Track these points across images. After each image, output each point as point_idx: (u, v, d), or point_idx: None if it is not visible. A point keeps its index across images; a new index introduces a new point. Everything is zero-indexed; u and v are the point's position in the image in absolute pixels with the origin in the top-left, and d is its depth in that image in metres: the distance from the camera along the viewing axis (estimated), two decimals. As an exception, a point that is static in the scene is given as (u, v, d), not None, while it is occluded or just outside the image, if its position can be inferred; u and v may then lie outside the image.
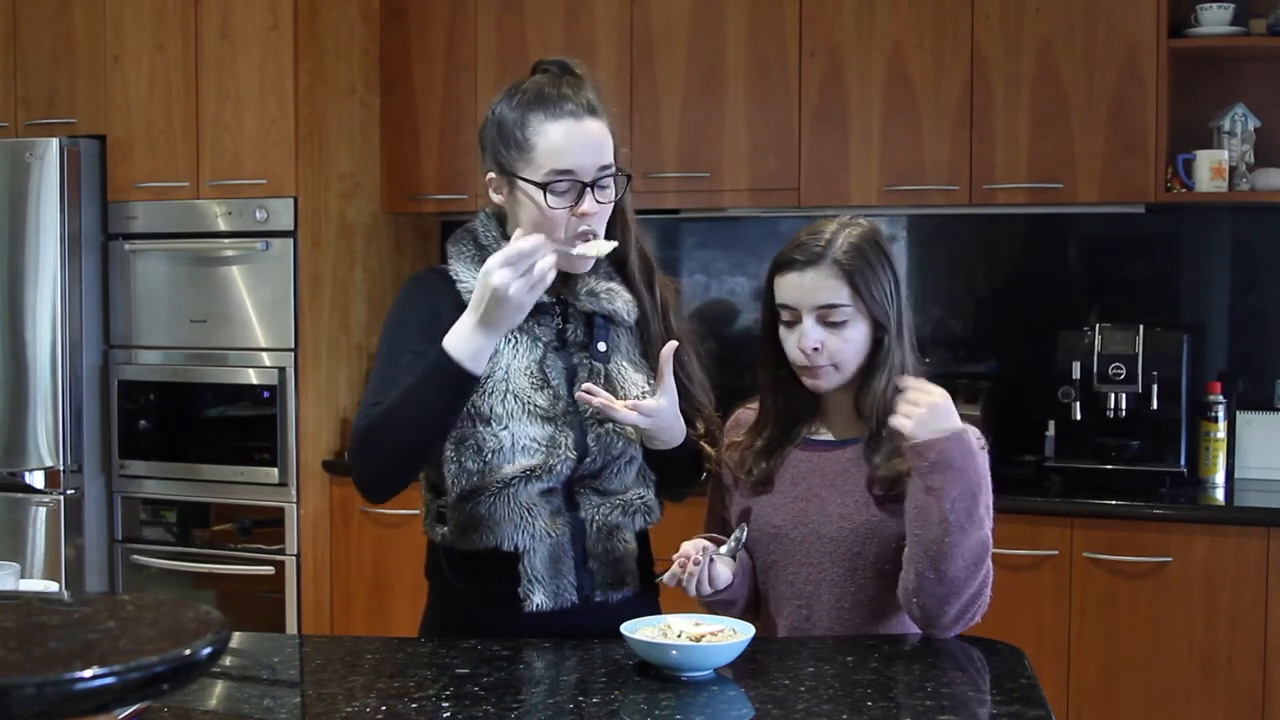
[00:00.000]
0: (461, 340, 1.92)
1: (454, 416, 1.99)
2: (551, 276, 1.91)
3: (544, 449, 2.06)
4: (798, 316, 2.05)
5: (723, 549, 2.07)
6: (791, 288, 2.06)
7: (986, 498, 1.99)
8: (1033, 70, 3.82)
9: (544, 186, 2.02)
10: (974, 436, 2.03)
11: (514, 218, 2.10)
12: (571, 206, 2.03)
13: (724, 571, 2.05)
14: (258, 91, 4.24)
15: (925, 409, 1.94)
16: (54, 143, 4.31)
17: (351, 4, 4.38)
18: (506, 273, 1.87)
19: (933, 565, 1.95)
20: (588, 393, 2.02)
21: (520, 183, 2.05)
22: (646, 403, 2.03)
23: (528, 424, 2.05)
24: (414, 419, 1.96)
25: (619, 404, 2.02)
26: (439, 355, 1.93)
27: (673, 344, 2.06)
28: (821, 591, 2.07)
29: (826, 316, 2.04)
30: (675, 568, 2.01)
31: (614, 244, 2.06)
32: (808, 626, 2.08)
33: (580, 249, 2.03)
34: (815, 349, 2.04)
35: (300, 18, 4.20)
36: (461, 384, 1.94)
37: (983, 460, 2.02)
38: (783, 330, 2.09)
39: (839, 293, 2.03)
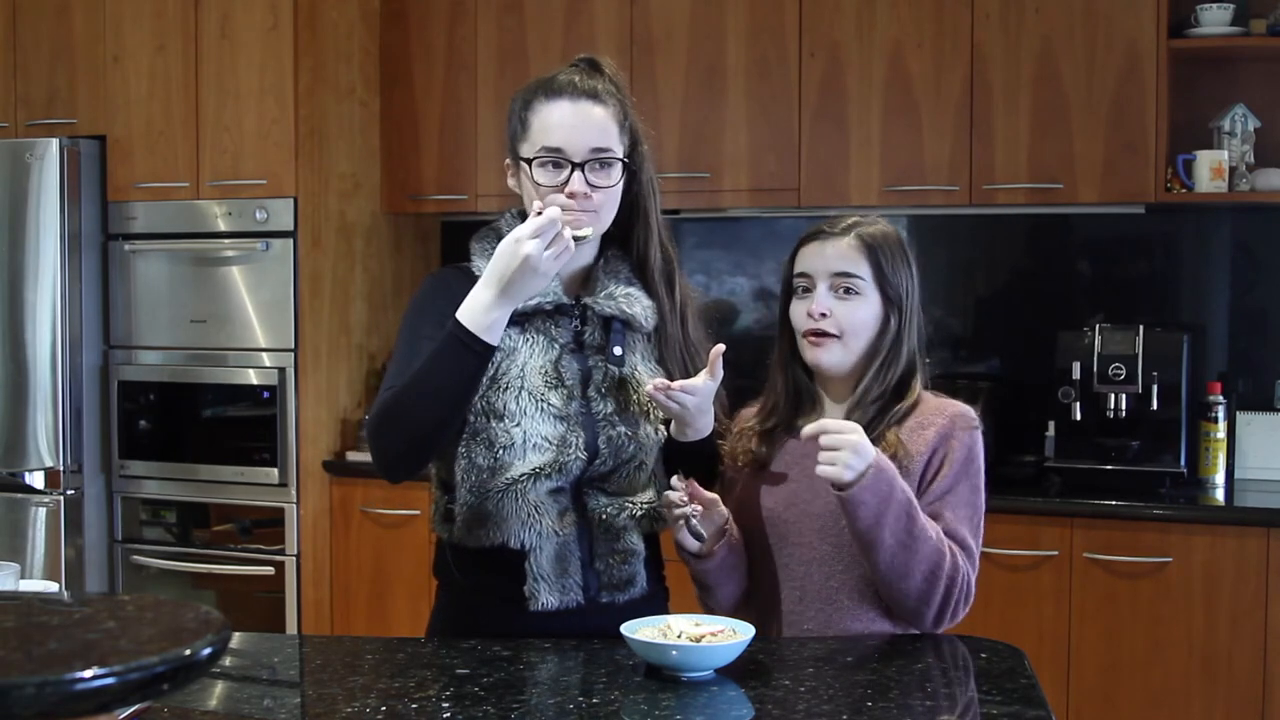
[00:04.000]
0: (479, 311, 1.96)
1: (472, 390, 2.02)
2: (574, 247, 1.97)
3: (555, 447, 2.06)
4: (812, 284, 2.10)
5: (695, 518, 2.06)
6: (811, 256, 2.11)
7: (921, 520, 1.99)
8: (1033, 70, 3.82)
9: (531, 161, 2.07)
10: (969, 417, 2.09)
11: (523, 199, 2.14)
12: (559, 185, 2.06)
13: (690, 542, 2.06)
14: (258, 91, 4.24)
15: (847, 450, 1.94)
16: (54, 143, 4.31)
17: (351, 4, 4.38)
18: (537, 243, 1.92)
19: (894, 585, 1.99)
20: (656, 389, 2.03)
21: (520, 163, 2.11)
22: (695, 381, 2.04)
23: (540, 422, 2.06)
24: (432, 391, 1.98)
25: (674, 385, 2.03)
26: (455, 326, 1.96)
27: (721, 346, 2.07)
28: (813, 571, 2.09)
29: (841, 284, 2.08)
30: (678, 495, 2.02)
31: (588, 231, 2.06)
32: (800, 609, 2.10)
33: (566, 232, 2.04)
34: (824, 314, 2.07)
35: (300, 18, 4.20)
36: (479, 355, 1.97)
37: (965, 446, 2.07)
38: (795, 303, 2.13)
39: (858, 264, 2.09)
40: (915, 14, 3.92)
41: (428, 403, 1.99)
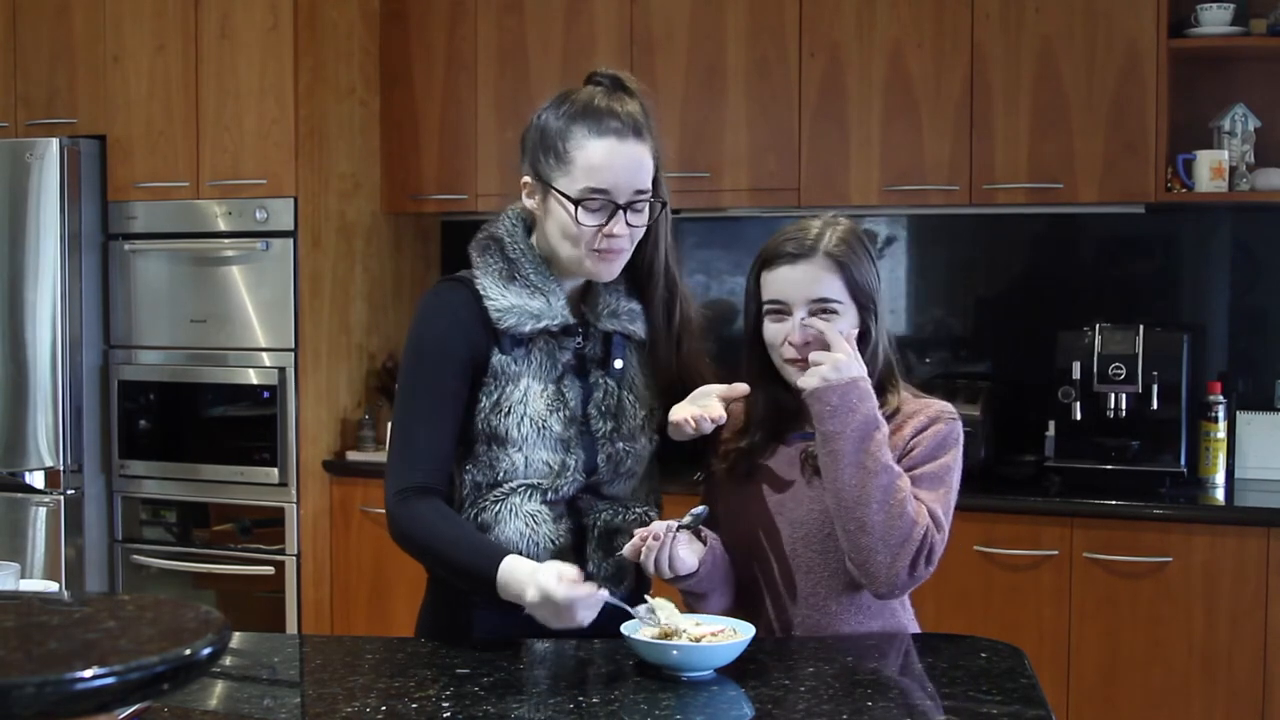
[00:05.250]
0: (510, 586, 1.96)
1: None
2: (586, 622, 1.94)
3: (554, 472, 2.09)
4: (788, 310, 2.05)
5: (681, 520, 2.04)
6: (783, 281, 2.05)
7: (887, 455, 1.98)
8: (1033, 70, 3.82)
9: (577, 202, 2.03)
10: (948, 412, 2.08)
11: (542, 223, 2.10)
12: (601, 225, 2.03)
13: (688, 558, 2.03)
14: (258, 91, 4.24)
15: (828, 365, 1.97)
16: (54, 143, 4.31)
17: (351, 4, 4.38)
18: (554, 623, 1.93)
19: (850, 514, 1.96)
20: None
21: (554, 193, 2.05)
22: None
23: (541, 449, 2.08)
24: (441, 568, 2.13)
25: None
26: (489, 570, 1.98)
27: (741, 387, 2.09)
28: (798, 578, 2.09)
29: (820, 309, 2.04)
30: (637, 540, 2.01)
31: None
32: (786, 616, 2.09)
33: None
34: (808, 343, 2.03)
35: (300, 18, 4.20)
36: (490, 590, 2.00)
37: (939, 434, 2.05)
38: (769, 325, 2.08)
39: (833, 286, 2.04)
40: (915, 14, 3.91)
41: (437, 569, 2.15)
